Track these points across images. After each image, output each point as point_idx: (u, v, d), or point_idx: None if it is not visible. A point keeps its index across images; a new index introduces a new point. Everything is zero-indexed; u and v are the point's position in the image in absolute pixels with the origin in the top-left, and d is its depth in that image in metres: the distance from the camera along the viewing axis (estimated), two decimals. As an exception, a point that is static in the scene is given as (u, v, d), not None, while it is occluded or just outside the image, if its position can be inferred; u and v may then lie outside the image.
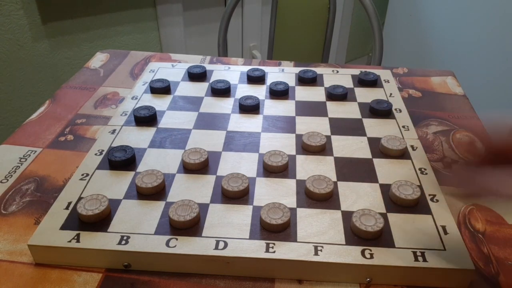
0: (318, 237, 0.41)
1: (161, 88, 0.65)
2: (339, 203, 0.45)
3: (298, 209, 0.44)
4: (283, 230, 0.41)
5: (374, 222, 0.41)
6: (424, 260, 0.38)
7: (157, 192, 0.46)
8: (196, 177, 0.49)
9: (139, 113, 0.58)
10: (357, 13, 2.22)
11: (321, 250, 0.39)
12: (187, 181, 0.48)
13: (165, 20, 1.64)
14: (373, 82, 0.68)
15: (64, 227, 0.41)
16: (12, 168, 0.53)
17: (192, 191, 0.46)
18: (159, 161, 0.51)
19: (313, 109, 0.62)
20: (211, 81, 0.68)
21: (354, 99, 0.64)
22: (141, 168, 0.50)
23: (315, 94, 0.66)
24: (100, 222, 0.42)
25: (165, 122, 0.59)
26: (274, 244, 0.40)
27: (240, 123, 0.59)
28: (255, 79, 0.69)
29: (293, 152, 0.53)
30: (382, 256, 0.39)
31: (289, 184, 0.47)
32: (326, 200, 0.45)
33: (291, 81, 0.69)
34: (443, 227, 0.42)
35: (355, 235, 0.41)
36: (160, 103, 0.63)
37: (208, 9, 1.75)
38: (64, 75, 1.51)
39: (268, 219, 0.41)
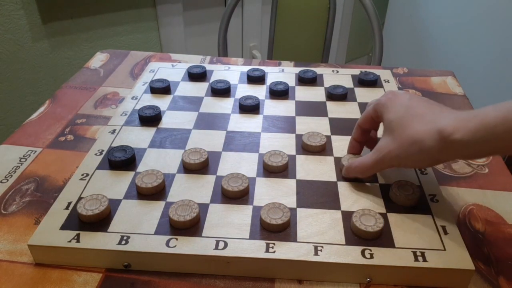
0: (318, 237, 0.41)
1: (161, 88, 0.65)
2: (339, 203, 0.45)
3: (298, 209, 0.44)
4: (283, 230, 0.41)
5: (374, 222, 0.41)
6: (424, 260, 0.38)
7: (157, 192, 0.46)
8: (196, 177, 0.48)
9: (143, 112, 0.58)
10: (357, 13, 2.22)
11: (321, 250, 0.39)
12: (187, 181, 0.48)
13: (165, 20, 1.64)
14: (373, 82, 0.68)
15: (64, 227, 0.41)
16: (12, 168, 0.53)
17: (192, 191, 0.46)
18: (159, 161, 0.51)
19: (313, 109, 0.62)
20: (211, 81, 0.68)
21: (354, 99, 0.64)
22: (141, 168, 0.50)
23: (315, 94, 0.66)
24: (100, 222, 0.42)
25: (165, 122, 0.59)
26: (274, 244, 0.40)
27: (240, 123, 0.59)
28: (255, 79, 0.69)
29: (293, 152, 0.53)
30: (382, 256, 0.39)
31: (289, 184, 0.47)
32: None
33: (291, 81, 0.69)
34: (443, 227, 0.42)
35: (355, 235, 0.41)
36: (160, 103, 0.63)
37: (208, 9, 1.75)
38: (64, 75, 1.51)
39: (268, 219, 0.41)
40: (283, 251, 0.39)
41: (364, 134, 0.50)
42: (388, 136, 0.43)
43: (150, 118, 0.58)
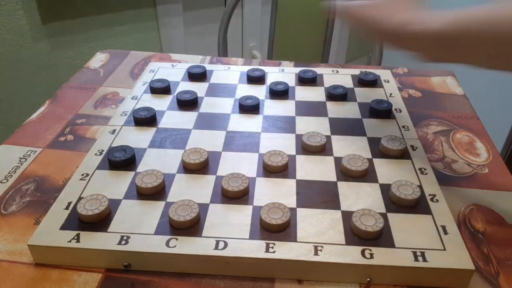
0: (318, 237, 0.41)
1: (161, 88, 0.65)
2: (339, 203, 0.45)
3: (298, 209, 0.44)
4: (283, 230, 0.41)
5: (374, 222, 0.41)
6: (424, 260, 0.38)
7: (157, 192, 0.46)
8: (196, 177, 0.49)
9: (138, 114, 0.58)
10: (357, 13, 2.22)
11: (321, 250, 0.39)
12: (187, 181, 0.48)
13: (165, 20, 1.64)
14: (373, 82, 0.68)
15: (64, 227, 0.41)
16: (12, 168, 0.53)
17: (192, 191, 0.46)
18: (159, 161, 0.51)
19: (313, 109, 0.62)
20: (210, 82, 0.68)
21: (354, 99, 0.64)
22: (141, 168, 0.50)
23: (315, 94, 0.66)
24: (100, 222, 0.42)
25: (165, 122, 0.59)
26: (274, 244, 0.40)
27: (240, 123, 0.59)
28: (255, 79, 0.69)
29: (293, 152, 0.53)
30: (382, 256, 0.39)
31: (289, 184, 0.47)
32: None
33: (291, 81, 0.69)
34: (443, 227, 0.42)
35: (355, 235, 0.41)
36: (160, 103, 0.63)
37: (208, 9, 1.75)
38: (64, 75, 1.51)
39: (268, 219, 0.41)
40: (283, 251, 0.39)
41: None
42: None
43: (144, 120, 0.58)
